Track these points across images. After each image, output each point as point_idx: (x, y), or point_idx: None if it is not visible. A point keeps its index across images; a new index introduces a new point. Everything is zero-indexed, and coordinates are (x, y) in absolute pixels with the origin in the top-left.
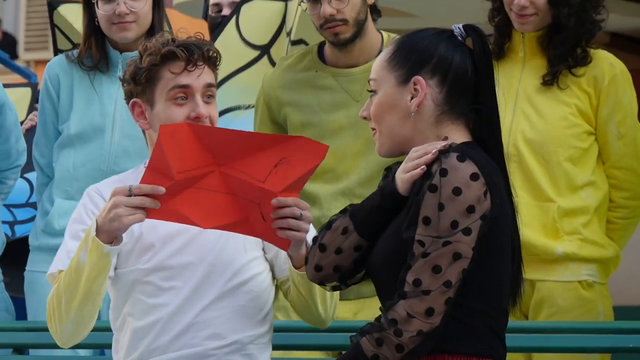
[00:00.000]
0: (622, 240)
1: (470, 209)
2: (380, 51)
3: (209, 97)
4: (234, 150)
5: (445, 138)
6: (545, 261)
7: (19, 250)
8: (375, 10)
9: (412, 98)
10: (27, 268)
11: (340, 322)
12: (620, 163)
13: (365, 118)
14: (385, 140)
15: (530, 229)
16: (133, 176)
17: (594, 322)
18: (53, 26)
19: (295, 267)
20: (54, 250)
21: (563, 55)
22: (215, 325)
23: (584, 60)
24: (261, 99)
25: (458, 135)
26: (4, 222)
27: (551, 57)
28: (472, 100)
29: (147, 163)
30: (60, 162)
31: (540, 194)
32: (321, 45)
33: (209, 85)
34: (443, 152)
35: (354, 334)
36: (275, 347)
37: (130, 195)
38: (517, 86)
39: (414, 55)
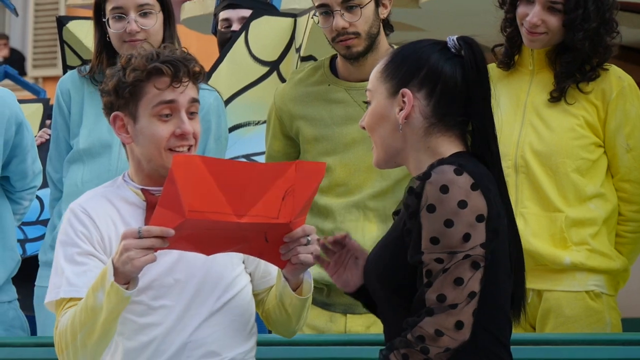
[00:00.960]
0: (632, 254)
1: (479, 218)
2: None
3: (192, 114)
4: (245, 191)
5: (434, 149)
6: (552, 271)
7: (30, 268)
8: (387, 25)
9: (400, 110)
10: (36, 283)
11: (352, 336)
12: (629, 176)
13: (364, 128)
14: (379, 151)
15: (539, 239)
16: (112, 190)
17: (603, 333)
18: (62, 42)
19: (292, 289)
20: None
21: (569, 72)
22: (210, 343)
23: (592, 76)
24: (273, 113)
25: (449, 146)
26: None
27: (558, 73)
28: (463, 111)
29: (126, 175)
30: (69, 177)
31: (549, 204)
32: (333, 59)
33: (194, 100)
34: (432, 168)
35: (382, 347)
36: None
37: (140, 237)
38: (525, 99)
39: (405, 66)
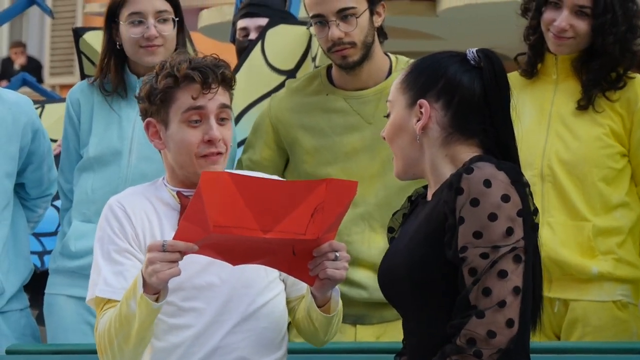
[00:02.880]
0: None
1: (519, 213)
2: (389, 73)
3: (222, 120)
4: (273, 207)
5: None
6: (579, 280)
7: (45, 282)
8: (381, 33)
9: (417, 120)
10: (46, 291)
11: (361, 344)
12: None
13: (384, 138)
14: (398, 162)
15: (566, 248)
16: (151, 189)
17: (626, 342)
18: (79, 53)
19: (318, 306)
20: (70, 272)
21: (597, 79)
22: (241, 349)
23: (618, 84)
24: (267, 120)
25: (468, 153)
26: (32, 253)
27: (585, 81)
28: (481, 121)
29: (165, 179)
30: (80, 185)
31: (576, 213)
32: (329, 69)
33: (224, 106)
34: (470, 164)
35: (436, 357)
36: None
37: (164, 251)
38: (549, 108)
39: (423, 77)
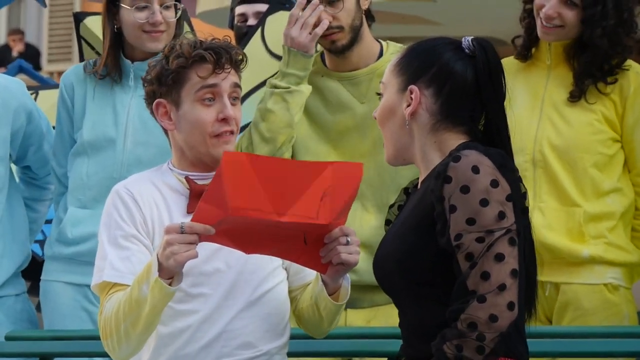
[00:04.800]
0: None
1: (509, 198)
2: (379, 57)
3: (234, 99)
4: (286, 189)
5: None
6: (570, 264)
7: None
8: (369, 16)
9: (407, 106)
10: (42, 277)
11: (351, 329)
12: None
13: (375, 119)
14: (389, 147)
15: (556, 233)
16: (157, 175)
17: (619, 326)
18: (79, 38)
19: (329, 294)
20: (67, 259)
21: (588, 71)
22: (246, 334)
23: (609, 76)
24: None
25: (456, 141)
26: (35, 242)
27: (577, 71)
28: (472, 110)
29: (169, 162)
30: (74, 171)
31: (566, 199)
32: (323, 53)
33: (236, 86)
34: (456, 152)
35: (436, 341)
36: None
37: (182, 233)
38: (542, 93)
39: (416, 62)
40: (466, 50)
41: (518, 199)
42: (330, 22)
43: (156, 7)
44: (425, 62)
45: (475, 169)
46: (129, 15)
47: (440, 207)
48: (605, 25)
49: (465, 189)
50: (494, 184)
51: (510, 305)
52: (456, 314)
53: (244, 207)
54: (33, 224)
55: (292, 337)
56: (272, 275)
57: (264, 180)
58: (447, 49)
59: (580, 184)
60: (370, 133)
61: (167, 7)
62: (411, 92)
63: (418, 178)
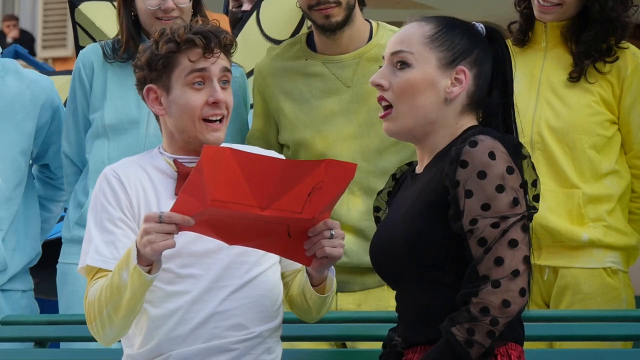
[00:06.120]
0: None
1: (522, 185)
2: (369, 39)
3: (224, 82)
4: (272, 185)
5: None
6: (569, 248)
7: (48, 251)
8: (361, 1)
9: (451, 84)
10: (59, 260)
11: (343, 313)
12: None
13: (379, 86)
14: (403, 119)
15: (556, 215)
16: (146, 158)
17: (616, 310)
18: (74, 24)
19: (313, 286)
20: None
21: (588, 50)
22: (237, 316)
23: (609, 55)
24: (255, 90)
25: (468, 125)
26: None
27: (576, 52)
28: (488, 94)
29: (160, 147)
30: (94, 154)
31: (565, 181)
32: (310, 35)
33: (226, 70)
34: (471, 137)
35: (444, 323)
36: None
37: (160, 222)
38: (539, 75)
39: (461, 43)
40: (482, 35)
41: (526, 186)
42: None
43: None
44: (467, 44)
45: (492, 155)
46: (141, 2)
47: (454, 192)
48: (602, 1)
49: (482, 174)
50: (510, 170)
51: (522, 292)
52: (467, 298)
53: (224, 199)
54: (45, 224)
55: (285, 321)
56: (264, 258)
57: (248, 175)
58: (479, 37)
59: (578, 165)
60: (356, 117)
61: None
62: (459, 73)
63: (408, 163)
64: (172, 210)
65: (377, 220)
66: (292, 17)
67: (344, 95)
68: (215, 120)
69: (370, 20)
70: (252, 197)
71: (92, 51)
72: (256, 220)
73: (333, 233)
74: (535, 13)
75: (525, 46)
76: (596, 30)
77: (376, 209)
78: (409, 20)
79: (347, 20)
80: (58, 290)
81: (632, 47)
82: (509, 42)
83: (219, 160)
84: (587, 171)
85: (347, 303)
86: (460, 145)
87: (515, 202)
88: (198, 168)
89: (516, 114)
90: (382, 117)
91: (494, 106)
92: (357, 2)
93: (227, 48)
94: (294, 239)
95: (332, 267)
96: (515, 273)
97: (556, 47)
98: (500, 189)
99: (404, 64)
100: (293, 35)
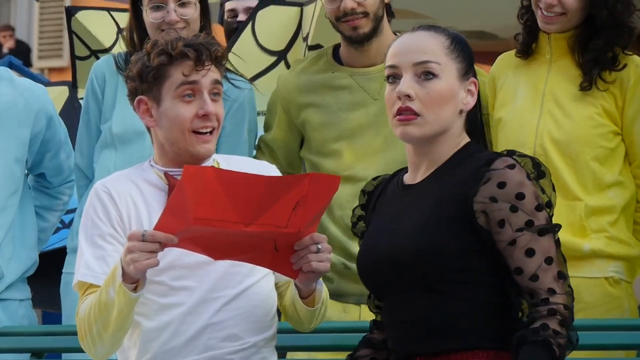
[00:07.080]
0: None
1: (548, 204)
2: None
3: (215, 95)
4: (255, 201)
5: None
6: (571, 258)
7: (47, 263)
8: (389, 12)
9: (466, 96)
10: (63, 270)
11: (342, 323)
12: None
13: (409, 96)
14: (428, 127)
15: None
16: (137, 172)
17: (618, 319)
18: (71, 33)
19: (302, 298)
20: None
21: (597, 59)
22: (231, 327)
23: (615, 64)
24: (278, 103)
25: (463, 138)
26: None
27: (584, 61)
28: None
29: (151, 160)
30: (101, 163)
31: (568, 192)
32: (336, 48)
33: (216, 82)
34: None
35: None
36: (285, 349)
37: (144, 241)
38: (543, 87)
39: (468, 54)
40: None
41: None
42: (355, 8)
43: (171, 5)
44: (470, 56)
45: (528, 177)
46: (148, 15)
47: (493, 209)
48: (608, 5)
49: (520, 196)
50: (538, 190)
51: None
52: (536, 317)
53: (206, 217)
54: (42, 233)
55: (286, 331)
56: (257, 268)
57: (230, 193)
58: None
59: (581, 177)
60: (382, 130)
61: (184, 4)
62: (473, 84)
63: (374, 178)
64: (155, 228)
65: (360, 235)
66: (287, 28)
67: (371, 108)
68: (206, 132)
69: (398, 32)
70: (235, 214)
71: (104, 62)
72: (241, 235)
73: (319, 247)
74: (540, 24)
75: (529, 58)
76: (606, 37)
77: (354, 225)
78: (414, 29)
79: (375, 31)
80: (62, 299)
81: (635, 58)
82: (511, 54)
83: (199, 179)
84: (589, 183)
85: (371, 315)
86: (494, 165)
87: (550, 218)
88: (179, 187)
89: (519, 124)
90: (403, 119)
91: (479, 121)
92: (385, 14)
93: (219, 60)
94: (281, 252)
95: (321, 280)
96: (570, 288)
97: (561, 58)
98: (539, 208)
99: (430, 75)
100: (288, 46)
